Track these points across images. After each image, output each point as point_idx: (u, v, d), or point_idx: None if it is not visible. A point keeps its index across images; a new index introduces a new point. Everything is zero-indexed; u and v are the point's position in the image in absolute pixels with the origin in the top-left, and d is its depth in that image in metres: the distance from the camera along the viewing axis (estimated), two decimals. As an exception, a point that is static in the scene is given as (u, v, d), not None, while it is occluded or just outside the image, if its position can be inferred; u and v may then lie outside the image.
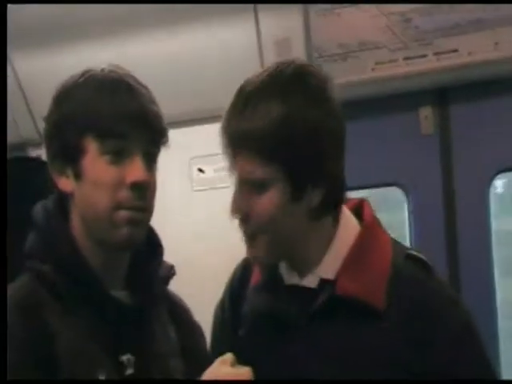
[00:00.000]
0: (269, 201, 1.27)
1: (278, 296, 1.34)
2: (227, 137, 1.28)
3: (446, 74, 2.40)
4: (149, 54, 2.45)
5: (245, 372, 1.23)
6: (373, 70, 2.40)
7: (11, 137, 2.39)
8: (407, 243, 2.46)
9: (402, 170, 2.55)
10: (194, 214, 2.57)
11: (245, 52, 2.43)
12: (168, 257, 1.42)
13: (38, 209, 1.34)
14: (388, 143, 2.55)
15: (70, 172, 1.30)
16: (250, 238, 1.31)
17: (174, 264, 1.43)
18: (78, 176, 1.29)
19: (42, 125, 1.36)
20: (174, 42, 2.48)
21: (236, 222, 1.32)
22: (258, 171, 1.25)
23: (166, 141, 1.33)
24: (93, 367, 1.24)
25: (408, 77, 2.40)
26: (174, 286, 1.46)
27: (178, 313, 1.46)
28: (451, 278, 2.40)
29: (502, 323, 2.46)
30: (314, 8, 2.32)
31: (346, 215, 1.37)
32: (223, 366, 1.24)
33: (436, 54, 2.36)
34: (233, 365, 1.24)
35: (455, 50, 2.35)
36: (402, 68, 2.40)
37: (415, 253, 1.35)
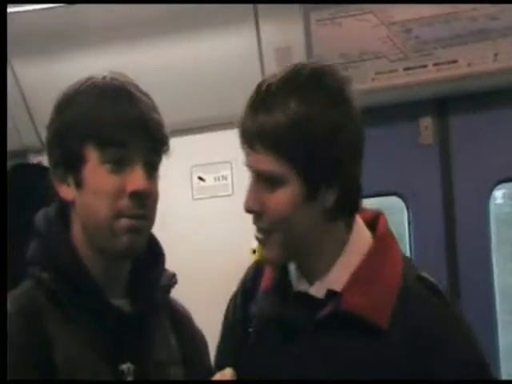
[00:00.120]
0: (283, 197, 1.26)
1: (285, 302, 1.34)
2: (244, 132, 1.28)
3: (446, 85, 2.41)
4: (150, 63, 2.46)
5: None
6: (373, 80, 2.41)
7: (13, 144, 2.41)
8: (407, 252, 2.46)
9: (401, 179, 2.56)
10: (194, 222, 2.58)
11: (246, 61, 2.44)
12: (167, 265, 1.42)
13: (40, 216, 1.34)
14: (388, 153, 2.55)
15: (71, 180, 1.29)
16: (263, 234, 1.30)
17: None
18: (78, 184, 1.28)
19: (43, 132, 1.36)
20: (175, 50, 2.49)
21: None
22: (273, 167, 1.25)
23: (168, 149, 1.33)
24: (92, 376, 1.24)
25: (408, 87, 2.41)
26: (173, 294, 1.46)
27: (180, 321, 1.45)
28: (451, 287, 2.41)
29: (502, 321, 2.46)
30: (314, 17, 2.33)
31: (360, 225, 1.35)
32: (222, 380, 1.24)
33: (436, 64, 2.37)
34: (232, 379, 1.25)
35: (455, 61, 2.36)
36: (402, 78, 2.41)
37: (427, 276, 1.32)
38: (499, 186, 2.53)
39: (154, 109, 1.32)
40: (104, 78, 1.31)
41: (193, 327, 1.49)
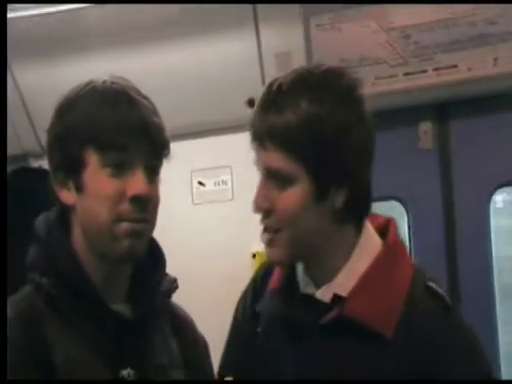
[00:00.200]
0: (292, 196, 1.25)
1: (292, 303, 1.34)
2: (254, 130, 1.28)
3: (446, 90, 2.41)
4: (150, 68, 2.46)
5: None
6: (373, 85, 2.41)
7: (13, 149, 2.41)
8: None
9: (401, 184, 2.56)
10: (193, 227, 2.58)
11: (246, 66, 2.45)
12: (167, 270, 1.42)
13: (40, 221, 1.33)
14: (388, 157, 2.55)
15: (71, 184, 1.29)
16: (271, 233, 1.30)
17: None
18: (79, 189, 1.28)
19: (43, 137, 1.36)
20: (175, 54, 2.49)
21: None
22: (283, 165, 1.25)
23: (168, 153, 1.32)
24: (92, 381, 1.24)
25: (408, 92, 2.42)
26: (174, 299, 1.46)
27: (181, 326, 1.45)
28: (451, 291, 2.40)
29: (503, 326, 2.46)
30: (314, 22, 2.34)
31: (370, 230, 1.35)
32: None
33: (436, 69, 2.38)
34: None
35: (455, 66, 2.36)
36: (402, 83, 2.41)
37: (435, 286, 1.30)
38: (499, 191, 2.53)
39: (155, 112, 1.31)
40: (104, 82, 1.31)
41: (194, 332, 1.48)
